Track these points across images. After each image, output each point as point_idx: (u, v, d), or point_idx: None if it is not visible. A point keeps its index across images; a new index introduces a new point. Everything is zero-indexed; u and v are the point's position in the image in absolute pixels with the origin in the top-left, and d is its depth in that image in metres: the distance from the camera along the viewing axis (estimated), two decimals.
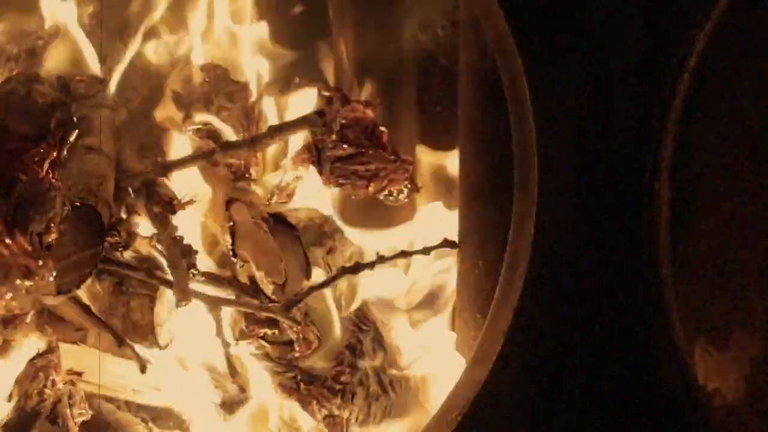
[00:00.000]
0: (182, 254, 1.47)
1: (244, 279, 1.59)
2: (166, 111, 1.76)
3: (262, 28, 1.87)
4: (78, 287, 1.35)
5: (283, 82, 1.83)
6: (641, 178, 1.48)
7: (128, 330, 1.50)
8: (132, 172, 1.55)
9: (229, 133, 1.72)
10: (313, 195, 1.72)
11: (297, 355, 1.61)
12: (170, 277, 1.46)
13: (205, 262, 1.61)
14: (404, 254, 1.61)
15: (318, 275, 1.63)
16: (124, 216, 1.50)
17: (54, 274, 1.22)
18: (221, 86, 1.75)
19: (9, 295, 1.16)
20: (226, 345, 1.49)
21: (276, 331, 1.59)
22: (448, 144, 1.77)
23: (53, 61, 1.68)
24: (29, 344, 1.50)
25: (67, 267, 1.30)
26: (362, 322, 1.67)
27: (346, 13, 1.86)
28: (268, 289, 1.57)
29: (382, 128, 1.61)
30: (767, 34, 1.40)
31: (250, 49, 1.86)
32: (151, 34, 1.77)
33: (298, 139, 1.67)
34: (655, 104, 1.46)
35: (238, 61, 1.85)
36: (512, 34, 1.42)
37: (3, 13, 1.80)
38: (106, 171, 1.48)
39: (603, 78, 1.47)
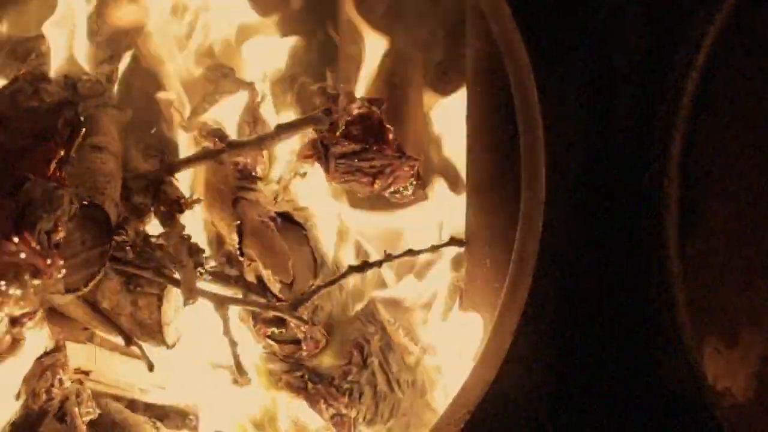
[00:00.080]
0: (189, 253, 1.47)
1: (251, 278, 1.59)
2: (172, 110, 1.76)
3: (267, 26, 1.87)
4: (86, 286, 1.35)
5: (290, 80, 1.83)
6: (648, 176, 1.48)
7: (135, 329, 1.50)
8: (139, 171, 1.55)
9: (235, 132, 1.72)
10: (320, 192, 1.72)
11: (304, 354, 1.61)
12: (177, 276, 1.46)
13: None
14: (411, 253, 1.61)
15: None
16: (131, 215, 1.50)
17: (62, 272, 1.22)
18: (227, 85, 1.75)
19: (17, 294, 1.16)
20: (233, 344, 1.48)
21: (283, 330, 1.59)
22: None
23: (60, 61, 1.68)
24: (37, 343, 1.51)
25: (74, 266, 1.30)
26: (370, 321, 1.67)
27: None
28: (276, 287, 1.57)
29: (388, 125, 1.61)
30: None
31: (254, 48, 1.86)
32: (154, 33, 1.77)
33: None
34: (662, 102, 1.45)
35: (244, 60, 1.85)
36: (519, 32, 1.42)
37: (9, 12, 1.80)
38: (113, 170, 1.48)
39: (606, 76, 1.47)
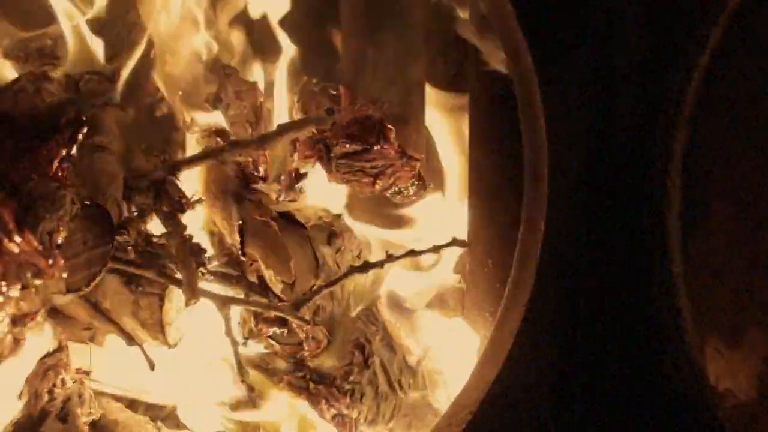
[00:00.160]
0: (191, 253, 1.47)
1: (253, 278, 1.59)
2: (174, 110, 1.76)
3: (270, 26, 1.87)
4: (87, 286, 1.35)
5: (292, 80, 1.83)
6: (650, 176, 1.48)
7: (137, 329, 1.50)
8: (141, 171, 1.55)
9: (237, 132, 1.72)
10: (322, 193, 1.72)
11: (306, 354, 1.61)
12: (179, 276, 1.46)
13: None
14: (413, 253, 1.61)
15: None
16: (133, 215, 1.50)
17: (64, 272, 1.22)
18: (230, 85, 1.75)
19: (19, 294, 1.16)
20: (235, 344, 1.48)
21: (285, 330, 1.59)
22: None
23: (62, 60, 1.69)
24: (39, 343, 1.51)
25: (76, 266, 1.30)
26: (371, 322, 1.67)
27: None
28: (277, 288, 1.57)
29: (390, 125, 1.61)
30: None
31: (256, 47, 1.86)
32: (158, 33, 1.77)
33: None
34: (664, 102, 1.45)
35: (246, 60, 1.85)
36: (521, 31, 1.42)
37: (12, 13, 1.80)
38: (115, 170, 1.48)
39: (609, 75, 1.47)
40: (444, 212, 1.78)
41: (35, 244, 1.16)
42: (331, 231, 1.67)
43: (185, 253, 1.46)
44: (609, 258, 1.49)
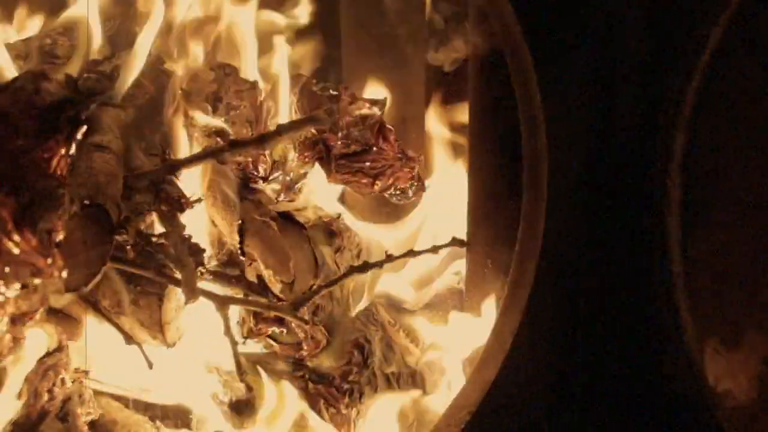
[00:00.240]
0: (190, 252, 1.47)
1: (252, 278, 1.59)
2: (174, 109, 1.76)
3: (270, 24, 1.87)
4: (86, 285, 1.35)
5: (292, 80, 1.83)
6: (650, 176, 1.47)
7: (136, 328, 1.50)
8: (140, 170, 1.55)
9: (237, 132, 1.72)
10: (321, 193, 1.72)
11: (305, 354, 1.61)
12: (178, 276, 1.46)
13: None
14: (413, 253, 1.61)
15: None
16: (132, 214, 1.50)
17: (63, 272, 1.22)
18: (230, 84, 1.75)
19: (18, 293, 1.16)
20: (234, 344, 1.48)
21: (284, 330, 1.59)
22: None
23: (62, 60, 1.69)
24: (38, 342, 1.51)
25: (75, 265, 1.30)
26: (371, 322, 1.66)
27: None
28: (276, 287, 1.57)
29: (389, 126, 1.61)
30: None
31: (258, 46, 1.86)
32: (159, 31, 1.77)
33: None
34: (665, 102, 1.45)
35: (246, 59, 1.85)
36: (521, 31, 1.42)
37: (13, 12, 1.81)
38: (114, 169, 1.47)
39: (609, 76, 1.47)
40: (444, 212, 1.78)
41: (34, 243, 1.16)
42: (331, 231, 1.67)
43: (184, 253, 1.46)
44: (609, 258, 1.49)
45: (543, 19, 1.43)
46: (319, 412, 1.61)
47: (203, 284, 1.50)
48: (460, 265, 1.74)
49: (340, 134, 1.58)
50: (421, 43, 1.88)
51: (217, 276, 1.57)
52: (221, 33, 1.84)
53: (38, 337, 1.52)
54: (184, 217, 1.51)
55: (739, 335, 1.44)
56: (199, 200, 1.55)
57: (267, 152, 1.70)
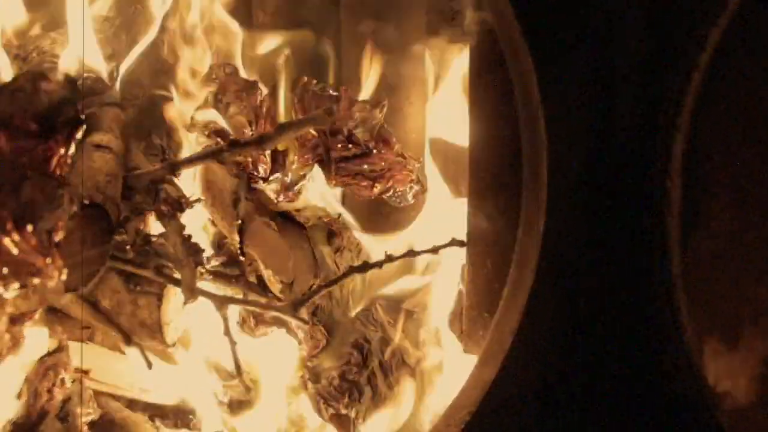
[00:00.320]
0: (190, 252, 1.47)
1: (251, 278, 1.59)
2: (174, 109, 1.76)
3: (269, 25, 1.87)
4: (86, 285, 1.35)
5: (292, 80, 1.83)
6: (650, 176, 1.47)
7: (135, 328, 1.50)
8: (140, 171, 1.55)
9: (236, 132, 1.71)
10: (321, 193, 1.72)
11: (304, 354, 1.61)
12: (178, 276, 1.46)
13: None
14: (412, 253, 1.61)
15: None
16: (131, 214, 1.50)
17: (62, 271, 1.22)
18: (230, 84, 1.75)
19: (17, 293, 1.16)
20: (233, 344, 1.48)
21: (284, 330, 1.59)
22: None
23: (61, 59, 1.69)
24: (38, 342, 1.51)
25: (75, 265, 1.30)
26: (370, 322, 1.66)
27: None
28: (276, 287, 1.57)
29: (389, 128, 1.61)
30: None
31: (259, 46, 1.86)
32: (158, 31, 1.78)
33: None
34: (664, 102, 1.45)
35: (246, 58, 1.85)
36: (521, 31, 1.42)
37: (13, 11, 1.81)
38: (114, 169, 1.48)
39: (608, 75, 1.47)
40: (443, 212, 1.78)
41: (34, 242, 1.16)
42: (330, 231, 1.67)
43: (184, 253, 1.46)
44: (609, 258, 1.49)
45: (543, 19, 1.43)
46: (318, 412, 1.61)
47: (203, 284, 1.50)
48: (460, 265, 1.73)
49: (339, 137, 1.57)
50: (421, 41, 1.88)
51: (217, 276, 1.56)
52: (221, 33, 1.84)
53: (38, 337, 1.52)
54: (184, 217, 1.51)
55: (739, 335, 1.44)
56: (199, 200, 1.55)
57: (267, 152, 1.71)
